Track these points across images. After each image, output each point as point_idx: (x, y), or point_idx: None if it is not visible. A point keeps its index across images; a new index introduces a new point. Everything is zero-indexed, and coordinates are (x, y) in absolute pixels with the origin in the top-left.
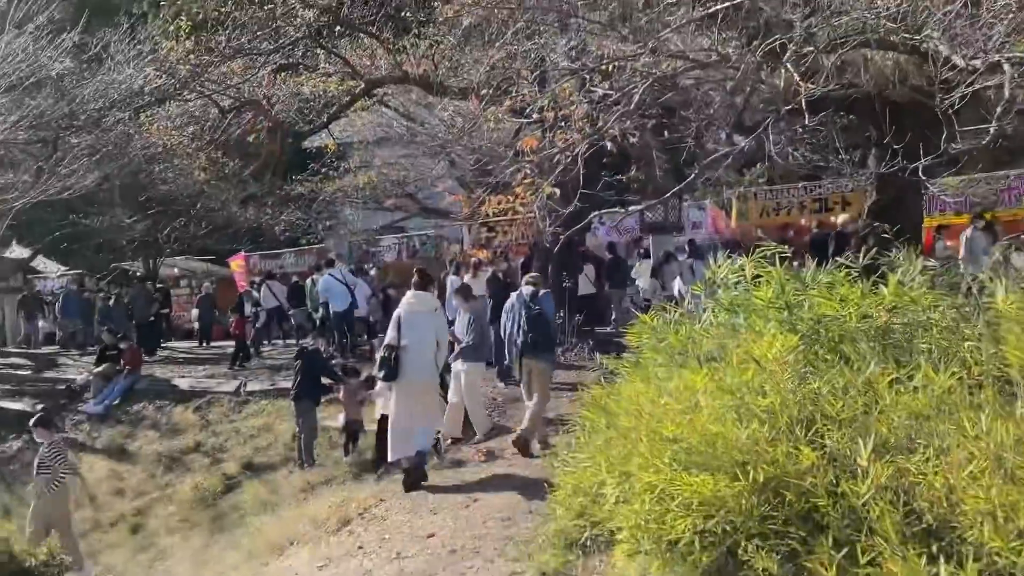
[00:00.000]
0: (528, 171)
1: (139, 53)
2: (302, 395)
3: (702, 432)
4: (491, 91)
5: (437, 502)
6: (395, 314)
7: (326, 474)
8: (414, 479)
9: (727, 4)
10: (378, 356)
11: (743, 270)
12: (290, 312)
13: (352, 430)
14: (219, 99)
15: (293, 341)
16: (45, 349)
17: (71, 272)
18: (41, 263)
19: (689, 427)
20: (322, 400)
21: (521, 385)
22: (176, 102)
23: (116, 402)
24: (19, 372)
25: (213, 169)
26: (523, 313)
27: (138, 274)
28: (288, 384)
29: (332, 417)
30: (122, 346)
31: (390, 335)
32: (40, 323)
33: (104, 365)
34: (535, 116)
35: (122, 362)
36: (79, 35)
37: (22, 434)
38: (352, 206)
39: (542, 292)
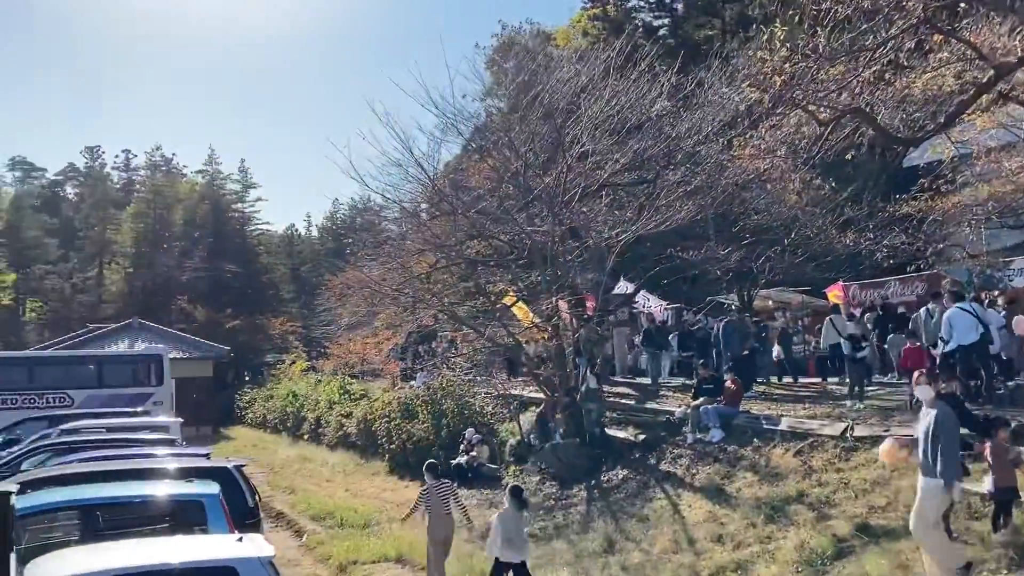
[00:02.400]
0: None
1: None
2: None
3: None
4: None
5: None
6: None
7: (969, 553)
8: None
9: None
10: None
11: None
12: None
13: (1004, 499)
14: (815, 111)
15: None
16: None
17: (672, 306)
18: (642, 297)
19: None
20: None
21: None
22: (769, 121)
23: (717, 439)
24: (624, 401)
25: (807, 192)
26: None
27: (733, 307)
28: (906, 431)
29: (974, 480)
30: (726, 379)
31: None
32: (666, 355)
33: (701, 399)
34: None
35: (720, 397)
36: (675, 76)
37: (627, 463)
38: (971, 225)
39: None
